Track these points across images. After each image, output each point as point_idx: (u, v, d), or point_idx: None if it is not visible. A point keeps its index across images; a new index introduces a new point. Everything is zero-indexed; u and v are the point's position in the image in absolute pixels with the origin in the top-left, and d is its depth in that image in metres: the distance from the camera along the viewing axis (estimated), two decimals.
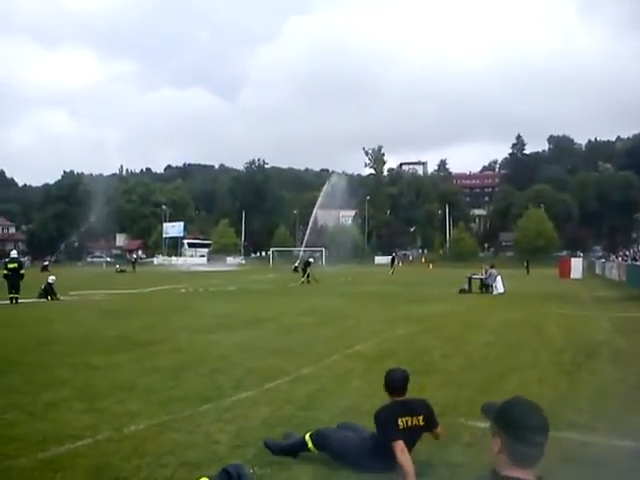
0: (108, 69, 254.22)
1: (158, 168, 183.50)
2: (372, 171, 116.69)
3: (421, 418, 4.61)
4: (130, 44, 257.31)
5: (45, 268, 51.46)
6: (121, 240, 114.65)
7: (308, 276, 34.30)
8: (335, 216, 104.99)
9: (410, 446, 4.47)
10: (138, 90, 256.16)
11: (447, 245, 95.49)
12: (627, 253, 50.62)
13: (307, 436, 4.84)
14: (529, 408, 2.03)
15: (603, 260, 49.71)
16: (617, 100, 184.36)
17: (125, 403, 6.59)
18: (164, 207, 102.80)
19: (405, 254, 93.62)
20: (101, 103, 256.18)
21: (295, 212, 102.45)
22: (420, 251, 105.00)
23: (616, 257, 48.61)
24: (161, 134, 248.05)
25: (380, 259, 79.80)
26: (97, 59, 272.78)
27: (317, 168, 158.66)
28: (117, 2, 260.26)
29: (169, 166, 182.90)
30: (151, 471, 4.60)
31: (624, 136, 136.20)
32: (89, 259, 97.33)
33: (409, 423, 4.53)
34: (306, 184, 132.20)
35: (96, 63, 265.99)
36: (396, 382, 4.70)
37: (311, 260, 38.92)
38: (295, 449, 4.91)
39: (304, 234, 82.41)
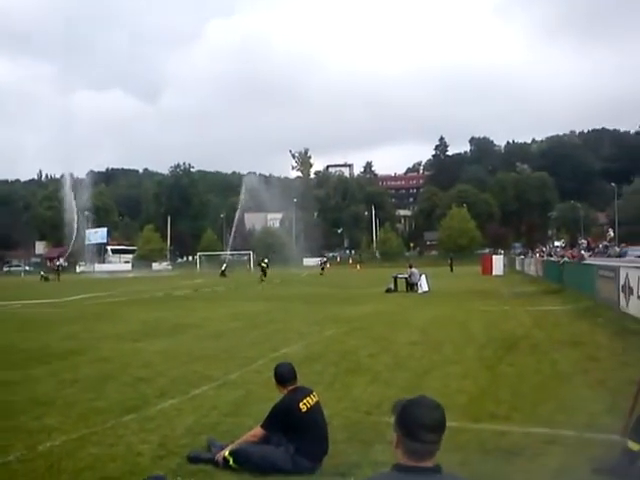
0: (22, 71, 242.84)
1: (80, 173, 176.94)
2: (299, 174, 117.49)
3: (314, 394, 5.01)
4: (44, 45, 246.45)
5: None
6: (41, 248, 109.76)
7: (265, 274, 37.89)
8: (262, 219, 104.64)
9: (323, 420, 4.98)
10: (54, 92, 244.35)
11: (374, 246, 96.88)
12: (544, 249, 52.96)
13: (227, 453, 4.78)
14: (425, 407, 2.13)
15: (522, 257, 51.76)
16: (532, 104, 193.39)
17: (42, 419, 6.28)
18: (87, 213, 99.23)
19: (333, 255, 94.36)
20: (16, 106, 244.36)
21: (222, 216, 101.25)
22: (348, 252, 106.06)
23: (534, 253, 50.74)
24: (82, 138, 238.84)
25: (309, 261, 79.90)
26: (9, 60, 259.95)
27: (244, 171, 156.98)
28: (31, 2, 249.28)
29: (91, 171, 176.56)
30: None
31: (539, 138, 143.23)
32: (5, 268, 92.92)
33: (310, 403, 4.88)
34: (233, 187, 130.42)
35: (9, 64, 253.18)
36: (289, 373, 5.02)
37: (266, 261, 41.63)
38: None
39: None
